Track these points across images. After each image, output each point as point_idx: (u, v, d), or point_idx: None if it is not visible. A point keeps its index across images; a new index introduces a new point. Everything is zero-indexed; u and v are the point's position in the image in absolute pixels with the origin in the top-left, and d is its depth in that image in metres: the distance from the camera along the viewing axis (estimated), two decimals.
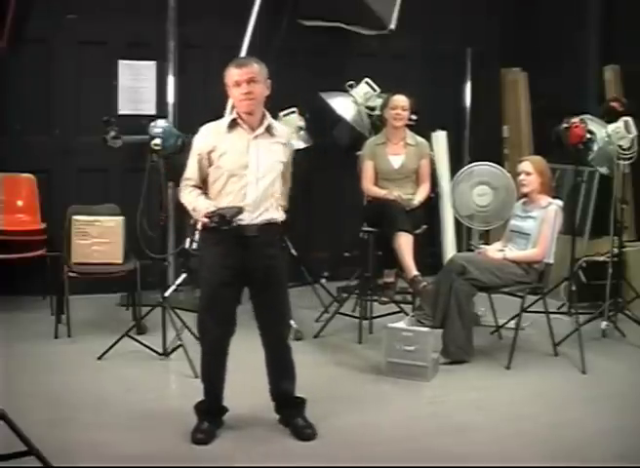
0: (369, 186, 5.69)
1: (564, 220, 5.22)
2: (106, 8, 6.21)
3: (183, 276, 6.03)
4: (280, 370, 3.91)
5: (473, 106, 7.28)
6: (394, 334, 4.78)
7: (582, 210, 6.55)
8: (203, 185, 3.77)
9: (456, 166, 6.46)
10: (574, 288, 5.59)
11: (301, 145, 5.89)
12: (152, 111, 6.38)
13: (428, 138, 6.20)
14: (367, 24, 6.22)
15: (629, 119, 5.49)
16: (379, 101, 6.01)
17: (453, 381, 4.74)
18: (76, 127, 6.37)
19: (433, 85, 7.10)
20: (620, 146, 5.48)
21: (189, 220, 5.05)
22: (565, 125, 5.42)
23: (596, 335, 5.48)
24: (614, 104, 5.96)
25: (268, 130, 3.74)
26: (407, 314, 5.30)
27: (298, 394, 3.95)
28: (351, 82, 6.14)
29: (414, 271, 5.30)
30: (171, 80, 6.37)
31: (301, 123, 6.04)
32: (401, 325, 4.88)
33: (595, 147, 5.57)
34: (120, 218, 5.57)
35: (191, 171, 3.78)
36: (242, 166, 3.68)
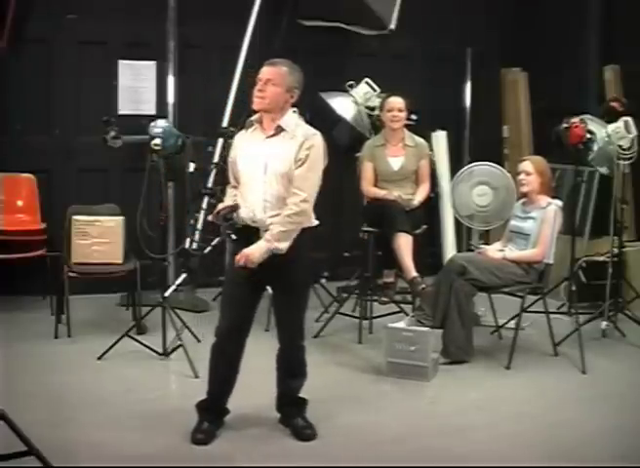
0: (368, 188, 5.69)
1: (564, 220, 5.22)
2: (106, 8, 6.21)
3: (183, 276, 6.03)
4: (289, 367, 3.93)
5: (473, 106, 7.27)
6: (394, 334, 4.78)
7: (582, 210, 6.55)
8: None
9: (456, 166, 6.46)
10: (574, 288, 5.59)
11: None
12: (152, 111, 6.38)
13: (428, 139, 6.20)
14: (367, 24, 6.22)
15: (629, 119, 5.49)
16: (378, 101, 6.00)
17: (453, 381, 4.74)
18: (76, 127, 6.37)
19: (433, 85, 7.10)
20: (620, 146, 5.49)
21: (189, 220, 5.06)
22: (565, 125, 5.42)
23: (596, 335, 5.48)
24: (614, 104, 5.96)
25: (282, 130, 3.73)
26: (407, 314, 5.31)
27: (300, 394, 3.96)
28: (351, 82, 6.14)
29: (413, 272, 5.30)
30: (171, 80, 6.36)
31: None
32: (401, 325, 4.88)
33: (595, 147, 5.57)
34: (120, 218, 5.57)
35: (230, 173, 3.91)
36: (255, 167, 3.71)
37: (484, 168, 5.73)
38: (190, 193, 5.43)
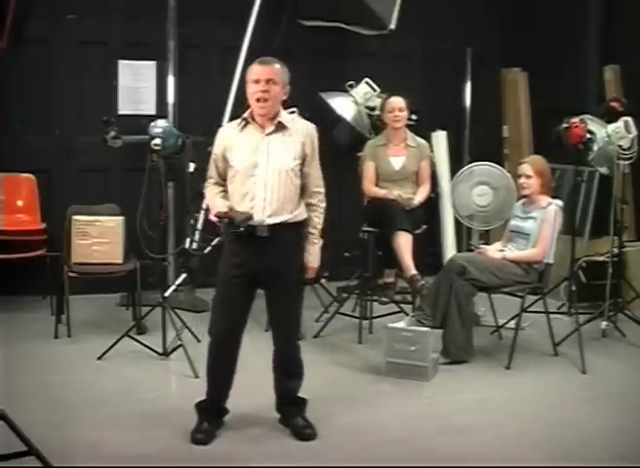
0: (369, 187, 5.69)
1: (564, 220, 5.23)
2: (106, 8, 6.22)
3: (183, 276, 6.04)
4: (286, 367, 3.92)
5: (473, 106, 7.27)
6: (394, 334, 4.78)
7: (582, 210, 6.55)
8: (225, 183, 3.80)
9: (456, 166, 6.46)
10: (574, 288, 5.58)
11: None
12: (152, 111, 6.38)
13: (428, 139, 6.21)
14: (367, 24, 6.22)
15: (629, 119, 5.49)
16: (378, 101, 6.01)
17: (453, 381, 4.74)
18: (76, 127, 6.37)
19: (433, 85, 7.10)
20: (620, 146, 5.49)
21: (189, 220, 5.06)
22: (565, 125, 5.41)
23: (596, 335, 5.48)
24: (614, 104, 5.96)
25: (282, 126, 3.72)
26: (407, 314, 5.31)
27: (299, 394, 3.95)
28: (351, 82, 6.14)
29: (412, 270, 5.30)
30: (171, 80, 6.36)
31: None
32: (401, 325, 4.88)
33: (595, 147, 5.57)
34: (120, 218, 5.57)
35: (211, 170, 3.86)
36: (252, 165, 3.67)
37: (484, 168, 5.74)
38: (190, 193, 5.43)
